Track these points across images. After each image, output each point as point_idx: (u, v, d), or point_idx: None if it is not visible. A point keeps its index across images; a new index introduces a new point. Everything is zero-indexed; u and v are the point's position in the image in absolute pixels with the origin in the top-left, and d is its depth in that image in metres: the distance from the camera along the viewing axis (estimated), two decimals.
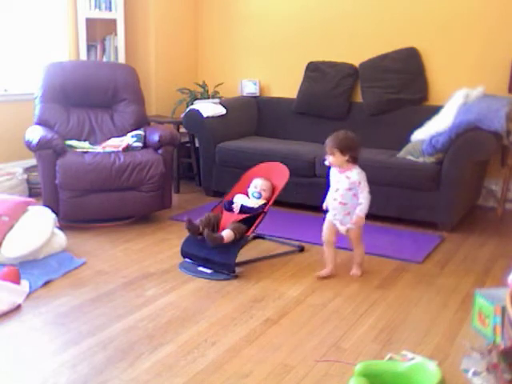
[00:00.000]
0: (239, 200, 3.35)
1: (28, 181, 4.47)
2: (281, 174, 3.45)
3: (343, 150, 2.98)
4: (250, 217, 3.22)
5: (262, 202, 3.32)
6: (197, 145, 4.85)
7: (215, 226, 3.21)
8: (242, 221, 3.20)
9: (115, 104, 4.38)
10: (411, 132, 4.19)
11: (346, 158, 3.00)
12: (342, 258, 3.39)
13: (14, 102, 4.58)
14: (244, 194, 3.41)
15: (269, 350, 2.34)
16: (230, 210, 3.29)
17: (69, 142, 3.98)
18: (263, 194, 3.36)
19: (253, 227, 3.19)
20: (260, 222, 3.24)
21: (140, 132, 4.16)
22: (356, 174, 3.03)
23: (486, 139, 3.69)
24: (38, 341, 2.38)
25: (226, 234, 3.09)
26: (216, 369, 2.18)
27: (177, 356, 2.27)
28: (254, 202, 3.32)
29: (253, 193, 3.38)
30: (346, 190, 3.05)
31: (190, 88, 5.32)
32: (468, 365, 2.18)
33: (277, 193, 3.37)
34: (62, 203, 3.72)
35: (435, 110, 4.22)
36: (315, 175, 4.21)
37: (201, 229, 3.13)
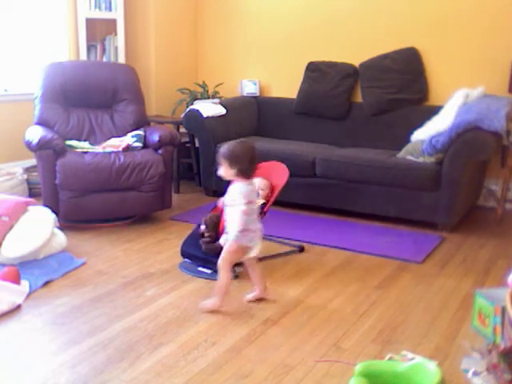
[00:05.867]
0: None
1: (28, 181, 4.46)
2: (280, 173, 3.43)
3: (231, 161, 2.64)
4: None
5: (260, 201, 3.30)
6: (197, 145, 4.85)
7: (217, 227, 3.21)
8: None
9: (115, 104, 4.38)
10: (411, 132, 4.19)
11: (234, 171, 2.64)
12: (341, 259, 3.39)
13: (14, 102, 4.58)
14: None
15: (269, 350, 2.34)
16: None
17: (69, 142, 3.98)
18: (261, 193, 3.33)
19: None
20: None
21: (140, 132, 4.16)
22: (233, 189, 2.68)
23: (486, 139, 3.69)
24: (37, 341, 2.38)
25: (224, 240, 3.04)
26: (216, 369, 2.18)
27: (177, 356, 2.27)
28: None
29: None
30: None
31: (189, 88, 5.32)
32: (468, 365, 2.19)
33: (276, 192, 3.35)
34: (61, 203, 3.72)
35: (435, 109, 4.22)
36: (315, 175, 4.21)
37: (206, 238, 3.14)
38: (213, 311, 2.66)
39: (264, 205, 3.27)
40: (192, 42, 5.59)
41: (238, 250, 2.68)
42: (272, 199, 3.32)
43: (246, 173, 2.65)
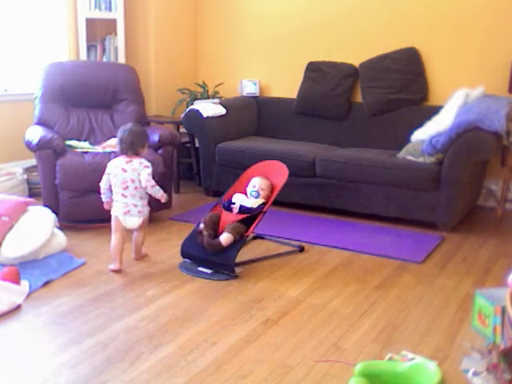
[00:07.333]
0: (238, 200, 3.33)
1: (28, 181, 4.47)
2: (280, 172, 3.44)
3: None
4: (249, 217, 3.22)
5: (260, 201, 3.31)
6: (197, 145, 4.85)
7: (216, 226, 3.21)
8: (241, 221, 3.19)
9: (115, 104, 4.38)
10: (411, 132, 4.19)
11: None
12: (341, 259, 3.39)
13: (14, 102, 4.58)
14: (243, 193, 3.41)
15: (269, 350, 2.34)
16: (229, 209, 3.28)
17: (69, 142, 3.99)
18: (261, 193, 3.35)
19: (251, 228, 3.19)
20: (259, 222, 3.23)
21: None
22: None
23: (486, 139, 3.69)
24: (37, 341, 2.38)
25: (224, 238, 3.07)
26: (216, 369, 2.18)
27: (177, 356, 2.27)
28: (252, 202, 3.30)
29: (251, 192, 3.36)
30: None
31: (189, 88, 5.32)
32: (468, 365, 2.19)
33: (276, 192, 3.36)
34: (61, 203, 3.72)
35: (435, 110, 4.22)
36: (315, 175, 4.21)
37: (206, 233, 3.15)
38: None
39: (264, 205, 3.28)
40: (192, 42, 5.59)
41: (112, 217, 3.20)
42: (271, 199, 3.32)
43: (119, 148, 3.22)
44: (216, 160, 4.58)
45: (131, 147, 3.16)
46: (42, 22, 4.73)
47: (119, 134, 3.22)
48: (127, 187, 3.14)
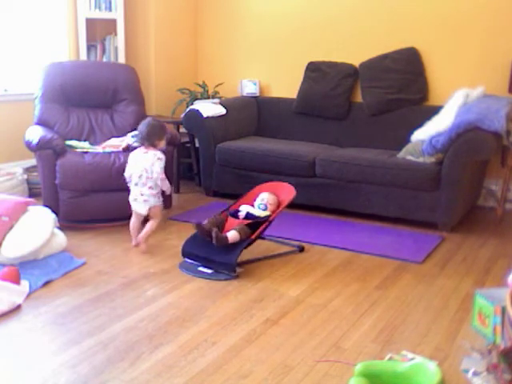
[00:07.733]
0: (245, 208, 3.40)
1: (28, 181, 4.46)
2: (287, 191, 3.51)
3: None
4: (255, 223, 3.25)
5: (267, 213, 3.36)
6: (197, 145, 4.85)
7: (219, 228, 3.23)
8: (247, 225, 3.23)
9: (115, 104, 4.38)
10: (411, 132, 4.19)
11: None
12: (341, 259, 3.39)
13: (14, 102, 4.58)
14: (250, 205, 3.46)
15: (269, 350, 2.34)
16: (236, 216, 3.33)
17: (69, 142, 3.98)
18: (269, 206, 3.42)
19: (257, 232, 3.22)
20: (264, 230, 3.28)
21: None
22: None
23: (486, 139, 3.69)
24: (37, 341, 2.38)
25: (232, 234, 3.13)
26: (216, 369, 2.18)
27: (177, 356, 2.27)
28: (259, 212, 3.36)
29: (259, 205, 3.43)
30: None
31: (189, 88, 5.32)
32: (468, 365, 2.19)
33: (282, 207, 3.41)
34: (61, 203, 3.72)
35: (435, 110, 4.22)
36: (315, 175, 4.21)
37: (210, 229, 3.15)
38: None
39: (269, 216, 3.34)
40: (192, 42, 5.59)
41: None
42: (277, 212, 3.38)
43: (139, 141, 3.52)
44: (216, 160, 4.58)
45: (147, 138, 3.42)
46: (42, 22, 4.73)
47: (139, 126, 3.50)
48: (141, 176, 3.38)
